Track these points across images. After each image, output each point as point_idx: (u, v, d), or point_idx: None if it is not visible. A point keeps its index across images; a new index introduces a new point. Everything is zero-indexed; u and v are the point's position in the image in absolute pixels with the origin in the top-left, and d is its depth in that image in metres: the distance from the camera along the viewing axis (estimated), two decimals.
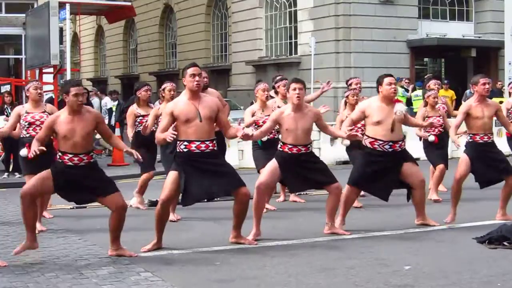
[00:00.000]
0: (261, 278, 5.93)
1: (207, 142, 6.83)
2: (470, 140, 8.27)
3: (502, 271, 6.02)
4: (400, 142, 7.78)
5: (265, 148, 9.40)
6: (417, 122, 9.05)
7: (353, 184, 7.89)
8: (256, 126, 9.44)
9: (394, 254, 6.72)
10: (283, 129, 7.53)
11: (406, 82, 22.31)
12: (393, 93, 7.78)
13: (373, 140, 7.77)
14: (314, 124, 7.73)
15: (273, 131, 9.40)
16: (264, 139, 9.37)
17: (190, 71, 6.89)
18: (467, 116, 8.23)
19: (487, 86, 8.20)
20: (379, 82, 7.80)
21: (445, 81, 21.27)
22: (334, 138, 8.01)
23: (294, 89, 7.45)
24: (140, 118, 9.70)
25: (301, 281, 5.80)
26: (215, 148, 6.92)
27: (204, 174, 6.79)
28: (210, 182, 6.80)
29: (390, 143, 7.73)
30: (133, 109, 9.82)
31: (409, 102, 19.71)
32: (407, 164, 7.81)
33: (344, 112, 10.05)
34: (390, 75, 7.89)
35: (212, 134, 6.92)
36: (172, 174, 6.89)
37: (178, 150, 6.89)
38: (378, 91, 7.83)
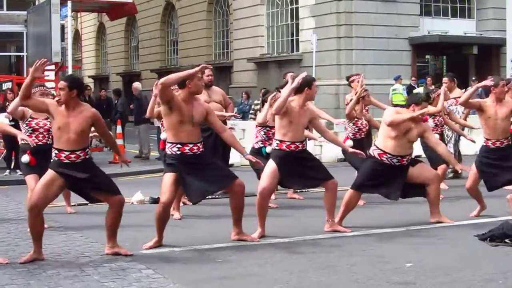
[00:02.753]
0: (262, 275, 5.93)
1: (199, 145, 6.90)
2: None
3: (504, 268, 6.01)
4: (407, 156, 7.76)
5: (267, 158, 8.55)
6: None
7: (356, 189, 7.88)
8: (266, 137, 9.48)
9: (395, 252, 6.72)
10: (287, 121, 7.41)
11: (413, 80, 22.38)
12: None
13: (382, 152, 7.76)
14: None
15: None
16: (269, 151, 8.75)
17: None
18: None
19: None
20: (417, 103, 7.75)
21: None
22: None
23: (317, 86, 7.71)
24: None
25: (303, 279, 5.80)
26: (202, 148, 6.97)
27: (198, 173, 6.83)
28: (205, 181, 6.84)
29: (399, 158, 7.73)
30: None
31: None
32: (415, 167, 7.83)
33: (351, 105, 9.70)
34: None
35: (200, 136, 6.98)
36: (170, 176, 6.87)
37: (170, 153, 6.88)
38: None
